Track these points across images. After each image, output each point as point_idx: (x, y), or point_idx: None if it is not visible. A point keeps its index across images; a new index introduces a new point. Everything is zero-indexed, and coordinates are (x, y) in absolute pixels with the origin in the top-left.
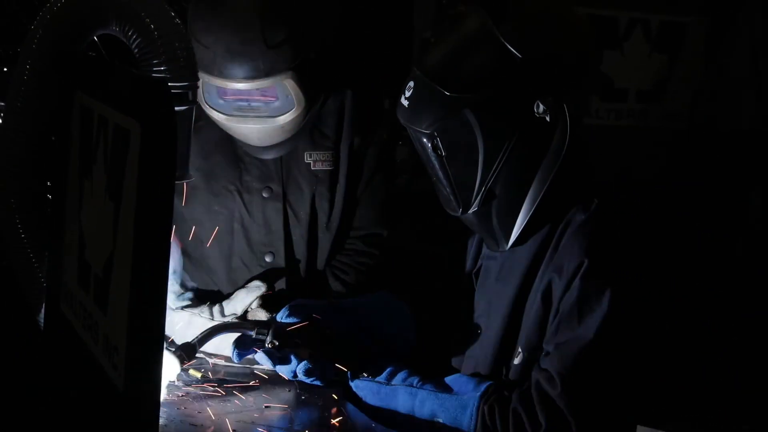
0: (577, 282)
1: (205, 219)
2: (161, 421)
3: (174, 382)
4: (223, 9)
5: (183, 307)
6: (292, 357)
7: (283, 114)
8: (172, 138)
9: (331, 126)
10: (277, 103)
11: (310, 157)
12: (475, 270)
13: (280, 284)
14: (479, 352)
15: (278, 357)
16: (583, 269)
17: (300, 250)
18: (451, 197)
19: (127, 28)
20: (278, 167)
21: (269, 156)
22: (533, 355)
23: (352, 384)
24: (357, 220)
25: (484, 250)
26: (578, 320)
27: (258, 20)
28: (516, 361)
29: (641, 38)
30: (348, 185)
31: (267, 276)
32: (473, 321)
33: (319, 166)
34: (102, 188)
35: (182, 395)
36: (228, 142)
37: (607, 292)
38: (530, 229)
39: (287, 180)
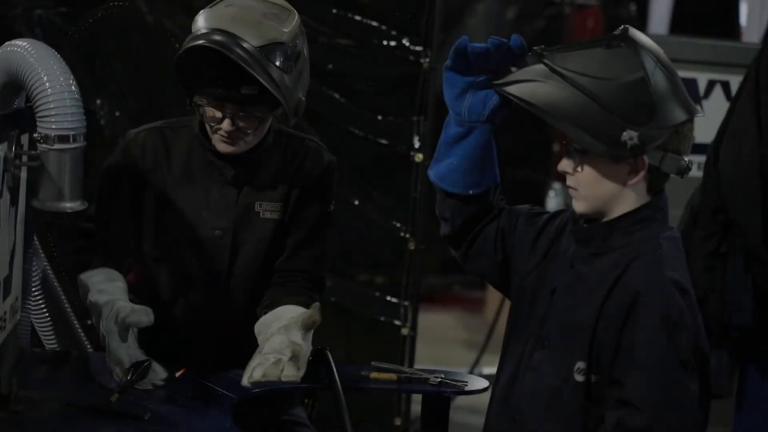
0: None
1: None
2: None
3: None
4: None
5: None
6: None
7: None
8: None
9: (283, 177)
10: None
11: (261, 206)
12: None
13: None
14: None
15: None
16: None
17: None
18: None
19: (29, 85)
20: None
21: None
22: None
23: None
24: (304, 262)
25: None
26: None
27: None
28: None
29: (720, 97)
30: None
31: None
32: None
33: (268, 215)
34: None
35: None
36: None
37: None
38: None
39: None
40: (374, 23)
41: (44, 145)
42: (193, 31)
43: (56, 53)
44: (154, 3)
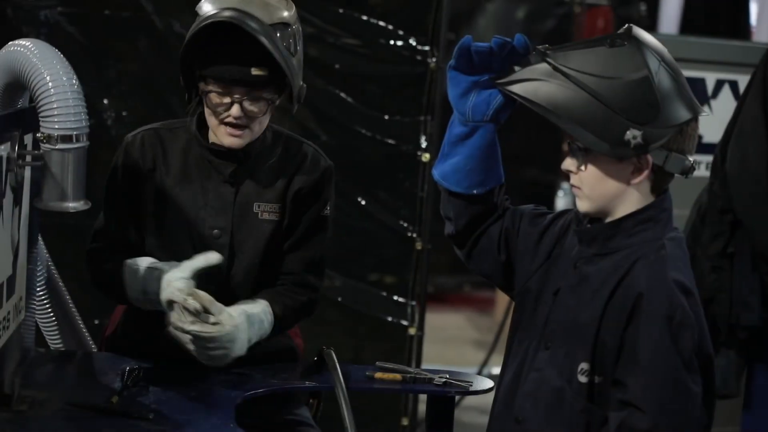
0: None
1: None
2: None
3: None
4: None
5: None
6: None
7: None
8: None
9: (281, 179)
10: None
11: (259, 207)
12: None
13: None
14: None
15: None
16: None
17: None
18: None
19: (32, 85)
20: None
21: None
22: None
23: None
24: (293, 264)
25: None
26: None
27: None
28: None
29: (729, 96)
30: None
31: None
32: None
33: (266, 216)
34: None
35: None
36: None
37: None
38: None
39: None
40: (381, 23)
41: (47, 145)
42: (199, 15)
43: (59, 53)
44: (160, 3)
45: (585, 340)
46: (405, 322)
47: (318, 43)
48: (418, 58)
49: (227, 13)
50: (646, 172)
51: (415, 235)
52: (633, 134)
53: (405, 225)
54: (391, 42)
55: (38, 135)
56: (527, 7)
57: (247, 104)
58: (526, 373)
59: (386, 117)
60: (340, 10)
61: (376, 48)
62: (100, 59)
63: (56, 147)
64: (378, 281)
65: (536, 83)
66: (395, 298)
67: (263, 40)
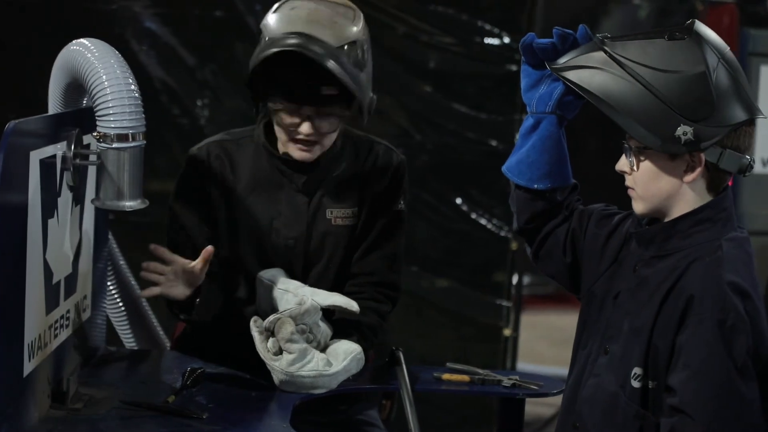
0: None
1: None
2: None
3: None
4: None
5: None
6: None
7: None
8: None
9: (355, 183)
10: None
11: (332, 213)
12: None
13: None
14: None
15: None
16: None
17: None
18: None
19: (89, 83)
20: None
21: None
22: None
23: None
24: (373, 264)
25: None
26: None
27: None
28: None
29: None
30: (365, 236)
31: None
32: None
33: (340, 222)
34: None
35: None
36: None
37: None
38: None
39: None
40: (475, 21)
41: (103, 144)
42: (264, 35)
43: (117, 52)
44: (252, 2)
45: (639, 345)
46: (501, 323)
47: (412, 42)
48: (514, 56)
49: (293, 40)
50: (699, 170)
51: (509, 235)
52: (684, 130)
53: (499, 224)
54: (486, 40)
55: (94, 134)
56: (650, 5)
57: (317, 121)
58: (586, 378)
59: (480, 116)
60: (431, 7)
61: (470, 46)
62: (193, 60)
63: (112, 146)
64: (473, 281)
65: (591, 71)
66: (490, 298)
67: (330, 66)
